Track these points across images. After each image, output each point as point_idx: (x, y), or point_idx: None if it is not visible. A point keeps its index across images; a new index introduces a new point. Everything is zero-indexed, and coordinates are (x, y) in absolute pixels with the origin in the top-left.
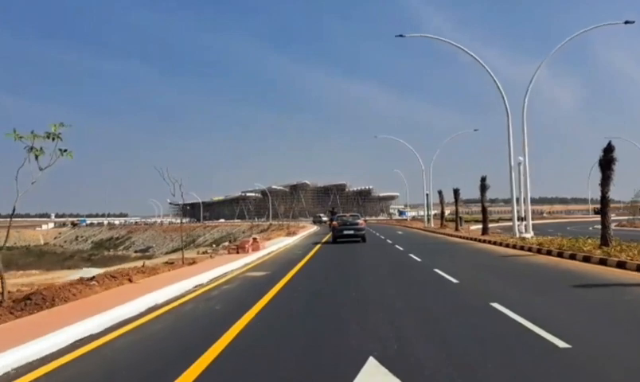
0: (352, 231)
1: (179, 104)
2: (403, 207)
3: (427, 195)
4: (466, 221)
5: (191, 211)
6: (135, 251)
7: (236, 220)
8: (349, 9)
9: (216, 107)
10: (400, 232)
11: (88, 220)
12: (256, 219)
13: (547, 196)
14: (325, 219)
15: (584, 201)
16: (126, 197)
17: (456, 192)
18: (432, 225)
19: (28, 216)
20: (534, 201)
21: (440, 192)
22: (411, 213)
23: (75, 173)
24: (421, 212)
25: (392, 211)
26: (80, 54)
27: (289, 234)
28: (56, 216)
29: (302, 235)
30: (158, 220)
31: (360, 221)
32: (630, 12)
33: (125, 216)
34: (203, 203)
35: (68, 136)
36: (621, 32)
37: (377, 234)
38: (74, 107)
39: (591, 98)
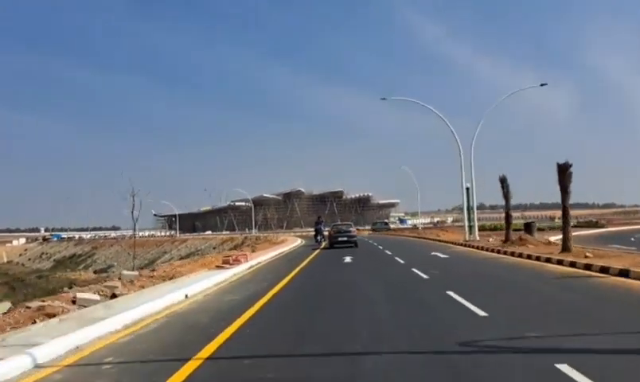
0: (345, 238)
1: (172, 115)
2: (403, 214)
3: (467, 189)
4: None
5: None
6: (95, 271)
7: (224, 232)
8: (344, 20)
9: (210, 117)
10: (443, 256)
11: (64, 235)
12: (247, 230)
13: (547, 201)
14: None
15: (584, 206)
16: (117, 211)
17: (564, 170)
18: (477, 237)
19: (18, 230)
20: (534, 207)
21: (504, 181)
22: (420, 221)
23: (70, 186)
24: (437, 219)
25: (392, 219)
26: (73, 67)
27: (224, 262)
28: (46, 230)
29: (261, 260)
30: (139, 233)
31: (353, 229)
32: (616, 26)
33: (117, 229)
34: (190, 214)
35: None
36: (615, 38)
37: (402, 261)
38: (63, 118)
39: (586, 104)
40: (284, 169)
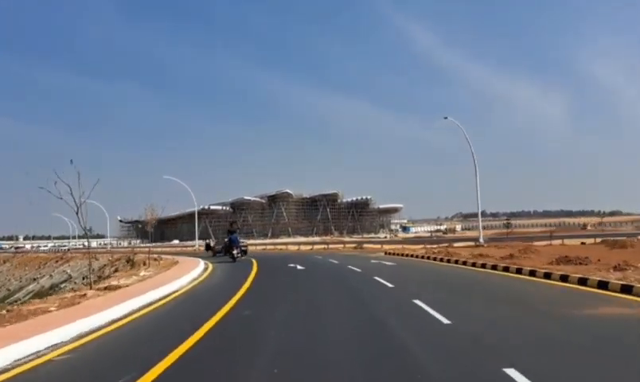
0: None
1: (162, 120)
2: (406, 221)
3: None
4: None
5: (142, 229)
6: None
7: (198, 241)
8: (336, 27)
9: (201, 122)
10: None
11: (6, 244)
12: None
13: (551, 209)
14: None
15: (590, 213)
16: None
17: None
18: None
19: (3, 238)
20: (538, 215)
21: None
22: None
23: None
24: (445, 227)
25: (393, 227)
26: (63, 72)
27: None
28: (25, 238)
29: None
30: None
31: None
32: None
33: (102, 236)
34: (160, 220)
35: None
36: (606, 45)
37: None
38: (50, 124)
39: (580, 112)
40: (274, 173)
